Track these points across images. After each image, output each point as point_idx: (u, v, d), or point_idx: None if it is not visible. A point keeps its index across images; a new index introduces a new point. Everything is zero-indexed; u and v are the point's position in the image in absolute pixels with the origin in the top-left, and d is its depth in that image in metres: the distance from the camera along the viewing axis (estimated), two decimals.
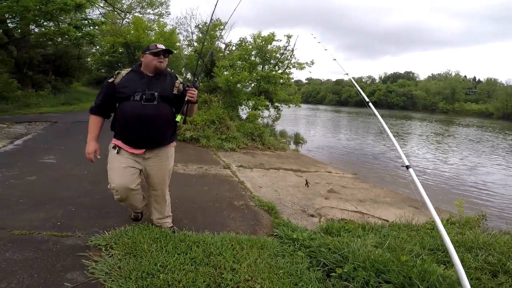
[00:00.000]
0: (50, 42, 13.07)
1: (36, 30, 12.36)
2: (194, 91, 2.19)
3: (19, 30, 12.10)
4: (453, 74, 68.68)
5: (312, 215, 3.55)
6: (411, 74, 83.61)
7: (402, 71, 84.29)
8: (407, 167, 2.08)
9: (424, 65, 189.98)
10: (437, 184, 6.93)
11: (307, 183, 4.56)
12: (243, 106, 10.87)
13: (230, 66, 10.41)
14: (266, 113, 11.40)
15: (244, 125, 8.47)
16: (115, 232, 2.34)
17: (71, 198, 3.13)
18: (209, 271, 1.97)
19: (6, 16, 10.64)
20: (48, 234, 2.33)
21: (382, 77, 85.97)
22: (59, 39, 12.43)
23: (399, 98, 64.79)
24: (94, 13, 17.30)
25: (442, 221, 3.21)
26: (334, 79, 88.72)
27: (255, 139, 7.91)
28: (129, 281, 1.79)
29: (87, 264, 1.96)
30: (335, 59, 3.05)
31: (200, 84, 12.41)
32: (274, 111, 11.80)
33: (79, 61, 17.96)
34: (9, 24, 11.85)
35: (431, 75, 77.15)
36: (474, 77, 71.91)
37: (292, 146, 10.29)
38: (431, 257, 2.28)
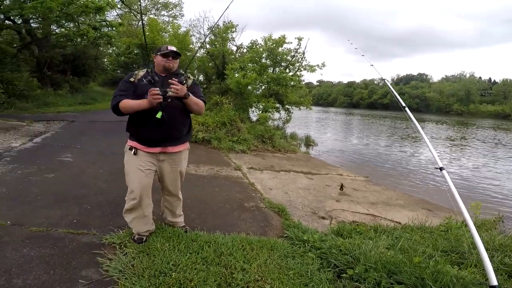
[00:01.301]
0: (70, 43, 13.48)
1: (57, 30, 12.77)
2: (177, 85, 2.06)
3: (41, 30, 12.54)
4: (468, 75, 67.03)
5: (323, 217, 3.53)
6: (424, 76, 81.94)
7: (414, 73, 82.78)
8: (441, 168, 2.05)
9: (436, 66, 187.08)
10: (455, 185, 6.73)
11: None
12: (254, 108, 10.90)
13: (241, 68, 10.47)
14: (276, 115, 11.39)
15: (255, 127, 8.49)
16: (129, 231, 2.39)
17: (87, 196, 3.22)
18: (220, 271, 1.99)
19: (30, 17, 11.09)
20: (64, 232, 2.39)
21: (395, 79, 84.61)
22: (79, 39, 12.81)
23: (412, 100, 63.61)
24: (112, 14, 17.74)
25: (456, 223, 3.15)
26: (345, 81, 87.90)
27: (265, 141, 7.91)
28: (142, 279, 1.82)
29: (102, 262, 2.01)
30: (372, 65, 3.01)
31: (213, 86, 12.53)
32: (285, 113, 11.79)
33: (96, 61, 18.49)
34: (32, 24, 12.35)
35: (444, 77, 75.54)
36: (490, 78, 69.77)
37: (303, 149, 10.23)
38: (445, 259, 2.24)
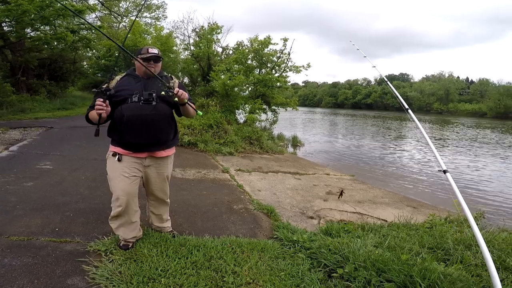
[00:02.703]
0: (46, 46, 13.02)
1: (32, 34, 12.29)
2: (183, 93, 2.10)
3: (15, 34, 12.05)
4: (447, 75, 69.66)
5: (312, 217, 3.55)
6: (405, 76, 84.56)
7: (396, 73, 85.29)
8: (444, 171, 2.05)
9: (417, 66, 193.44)
10: (433, 182, 6.97)
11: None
12: (240, 110, 10.89)
13: (227, 70, 10.44)
14: (263, 116, 11.42)
15: (242, 129, 8.48)
16: (115, 238, 2.32)
17: (69, 203, 3.10)
18: (210, 275, 1.96)
19: (3, 20, 10.64)
20: (46, 240, 2.30)
21: (378, 79, 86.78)
22: (55, 43, 12.44)
23: (395, 99, 65.24)
24: (90, 16, 17.25)
25: (440, 220, 3.24)
26: (330, 82, 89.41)
27: (253, 143, 7.91)
28: (130, 286, 1.78)
29: (88, 270, 1.94)
30: (374, 66, 3.03)
31: (198, 88, 12.44)
32: (272, 114, 11.84)
33: (75, 65, 17.92)
34: (4, 28, 11.83)
35: (425, 76, 78.07)
36: (467, 78, 72.87)
37: (290, 149, 10.31)
38: (431, 256, 2.30)
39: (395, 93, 2.67)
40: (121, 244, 2.23)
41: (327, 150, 11.19)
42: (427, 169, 8.66)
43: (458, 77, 70.21)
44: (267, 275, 2.04)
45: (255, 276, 2.01)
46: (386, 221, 3.58)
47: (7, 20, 10.66)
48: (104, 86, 2.08)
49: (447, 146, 14.07)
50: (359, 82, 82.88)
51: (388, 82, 2.87)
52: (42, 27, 11.76)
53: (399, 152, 11.75)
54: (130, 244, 2.24)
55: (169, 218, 2.61)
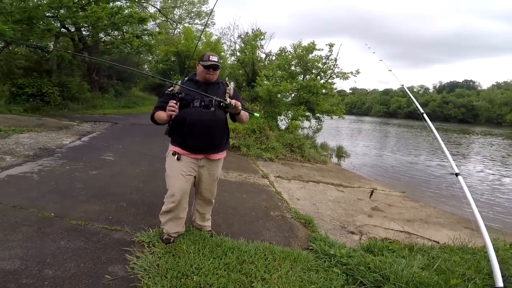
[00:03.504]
0: (116, 50, 14.69)
1: (105, 38, 14.08)
2: (238, 104, 2.23)
3: (91, 38, 13.90)
4: None
5: (352, 232, 3.38)
6: (470, 83, 75.72)
7: (459, 80, 76.81)
8: (457, 174, 1.96)
9: (484, 73, 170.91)
10: (503, 205, 6.05)
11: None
12: (282, 116, 10.81)
13: (271, 76, 10.51)
14: (306, 124, 11.18)
15: (284, 135, 8.45)
16: (159, 230, 2.49)
17: (124, 194, 3.42)
18: (240, 278, 1.99)
19: (82, 25, 12.43)
20: (100, 227, 2.55)
21: (437, 86, 79.21)
22: (123, 47, 13.95)
23: (458, 109, 58.65)
24: (150, 23, 18.89)
25: (505, 245, 2.82)
26: (381, 89, 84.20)
27: (294, 151, 7.83)
28: (164, 280, 1.88)
29: (129, 259, 2.10)
30: (390, 70, 2.91)
31: (243, 93, 12.79)
32: (316, 122, 11.54)
33: (138, 67, 19.81)
34: (83, 32, 13.78)
35: (495, 84, 68.94)
36: None
37: (334, 160, 9.94)
38: (486, 281, 2.02)
39: (410, 97, 2.62)
40: (163, 238, 2.37)
41: (375, 164, 10.45)
42: (498, 191, 7.56)
43: None
44: (296, 286, 1.99)
45: (284, 285, 1.98)
46: (438, 242, 3.27)
47: (85, 25, 12.38)
48: (170, 89, 2.24)
49: None
50: (414, 90, 76.44)
51: (405, 88, 2.69)
52: (112, 32, 13.39)
53: (465, 171, 10.38)
54: (172, 239, 2.38)
55: (210, 218, 2.71)
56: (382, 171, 9.27)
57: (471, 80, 77.94)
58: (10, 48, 12.64)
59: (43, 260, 1.99)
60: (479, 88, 72.34)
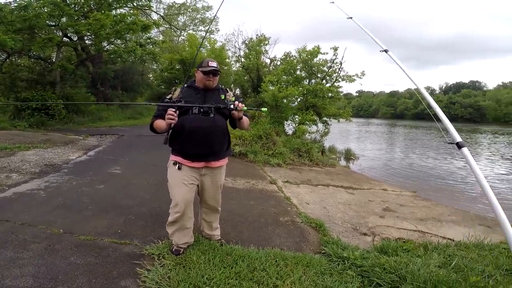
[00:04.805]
0: (119, 59, 14.39)
1: (108, 47, 13.82)
2: (241, 107, 2.20)
3: (94, 47, 13.71)
4: None
5: (365, 234, 3.29)
6: (476, 84, 74.98)
7: (465, 81, 76.17)
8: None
9: (490, 73, 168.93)
10: None
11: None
12: (289, 121, 10.79)
13: (276, 81, 10.54)
14: (313, 128, 11.13)
15: (291, 140, 8.40)
16: (168, 242, 2.45)
17: (132, 206, 3.40)
18: (252, 287, 1.93)
19: (84, 33, 12.22)
20: (109, 241, 2.52)
21: (443, 87, 78.48)
22: (126, 56, 13.65)
23: (465, 109, 58.26)
24: (153, 31, 18.73)
25: None
26: (387, 91, 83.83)
27: (302, 155, 7.75)
28: None
29: (140, 273, 2.06)
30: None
31: (248, 99, 12.82)
32: (323, 126, 11.49)
33: (142, 77, 19.83)
34: (86, 41, 13.67)
35: (501, 84, 68.14)
36: None
37: (343, 163, 9.81)
38: (508, 278, 1.92)
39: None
40: (173, 249, 2.33)
41: (384, 165, 10.29)
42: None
43: None
44: None
45: None
46: (453, 240, 3.16)
47: (88, 33, 12.19)
48: (168, 97, 2.23)
49: None
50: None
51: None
52: (115, 40, 13.12)
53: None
54: (182, 250, 2.34)
55: (218, 226, 2.67)
56: (392, 172, 9.11)
57: (477, 81, 77.53)
58: (13, 59, 12.42)
59: (55, 277, 1.97)
60: (485, 88, 71.71)
